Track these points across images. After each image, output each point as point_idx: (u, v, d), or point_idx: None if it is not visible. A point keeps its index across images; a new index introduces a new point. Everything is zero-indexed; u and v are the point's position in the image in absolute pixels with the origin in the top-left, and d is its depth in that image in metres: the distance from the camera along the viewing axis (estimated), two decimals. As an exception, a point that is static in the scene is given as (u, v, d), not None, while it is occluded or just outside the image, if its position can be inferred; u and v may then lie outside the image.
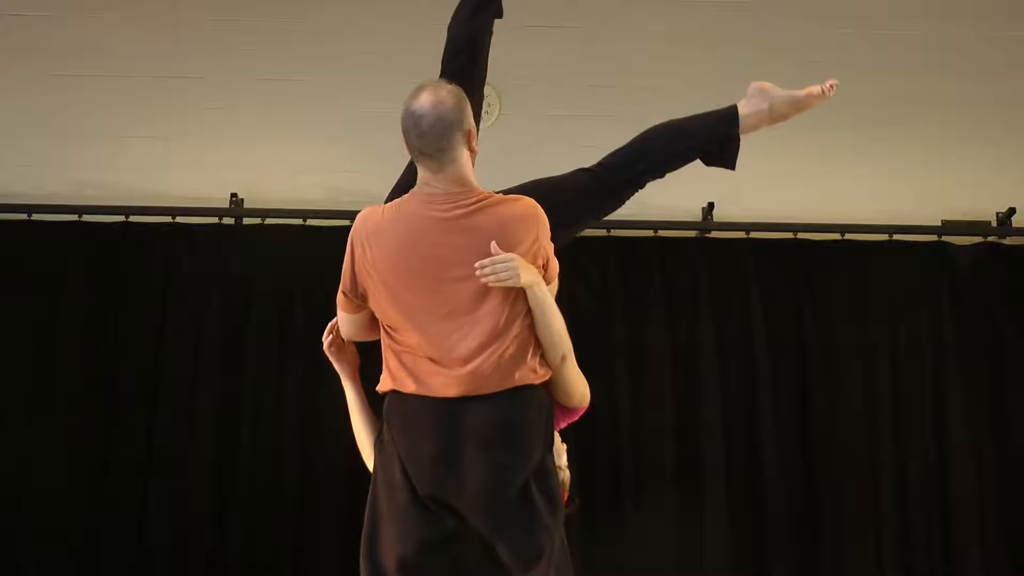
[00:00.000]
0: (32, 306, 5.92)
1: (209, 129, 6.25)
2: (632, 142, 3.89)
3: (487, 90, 6.16)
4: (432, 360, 3.26)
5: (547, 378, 3.34)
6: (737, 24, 6.43)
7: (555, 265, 3.37)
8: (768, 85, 3.92)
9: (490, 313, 3.22)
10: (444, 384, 3.25)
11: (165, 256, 6.02)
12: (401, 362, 3.32)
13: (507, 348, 3.23)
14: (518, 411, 3.24)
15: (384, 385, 3.36)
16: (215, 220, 6.09)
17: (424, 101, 3.23)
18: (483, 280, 3.16)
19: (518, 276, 3.16)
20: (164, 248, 6.03)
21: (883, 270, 6.14)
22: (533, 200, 3.30)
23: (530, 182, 3.72)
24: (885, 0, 6.48)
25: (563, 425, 3.52)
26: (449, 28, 3.95)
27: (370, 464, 3.45)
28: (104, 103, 6.24)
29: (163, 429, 5.82)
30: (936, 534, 5.89)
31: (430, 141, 3.23)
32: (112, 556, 5.69)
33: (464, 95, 3.31)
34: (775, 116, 3.93)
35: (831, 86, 3.89)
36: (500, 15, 3.99)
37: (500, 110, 6.30)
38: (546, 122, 6.29)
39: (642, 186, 3.83)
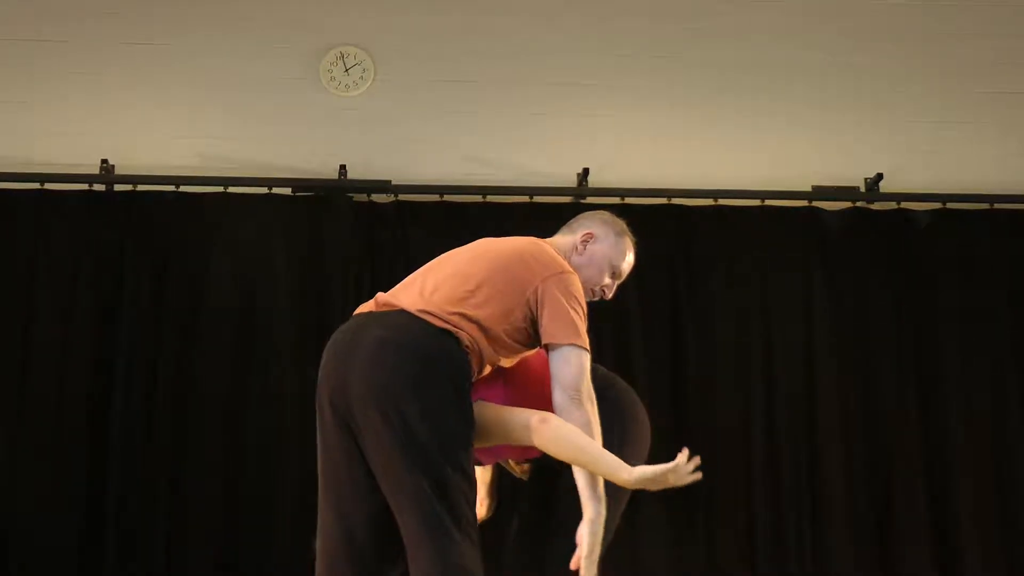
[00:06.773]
0: None
1: (77, 94, 6.13)
2: None
3: (360, 55, 6.19)
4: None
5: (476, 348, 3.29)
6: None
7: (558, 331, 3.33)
8: None
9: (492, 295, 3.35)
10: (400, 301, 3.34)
11: (34, 223, 5.90)
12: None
13: (475, 308, 3.30)
14: (416, 338, 3.21)
15: None
16: (85, 187, 5.98)
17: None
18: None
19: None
20: (33, 215, 5.91)
21: (755, 235, 6.23)
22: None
23: None
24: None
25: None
26: None
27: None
28: (-34, 67, 6.10)
29: (32, 400, 5.71)
30: (805, 501, 5.99)
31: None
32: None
33: (618, 238, 3.68)
34: None
35: None
36: None
37: (375, 75, 6.27)
38: (422, 88, 6.27)
39: None
